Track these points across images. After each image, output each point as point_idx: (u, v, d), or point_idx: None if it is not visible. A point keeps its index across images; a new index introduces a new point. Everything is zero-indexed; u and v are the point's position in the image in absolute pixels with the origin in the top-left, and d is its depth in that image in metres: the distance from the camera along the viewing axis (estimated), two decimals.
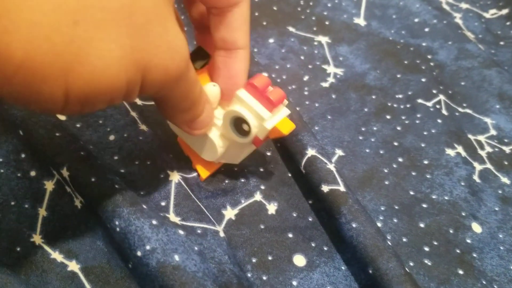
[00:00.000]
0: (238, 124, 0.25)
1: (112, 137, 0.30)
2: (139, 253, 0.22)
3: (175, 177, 0.29)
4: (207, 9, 0.25)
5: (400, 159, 0.33)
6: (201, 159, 0.28)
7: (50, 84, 0.16)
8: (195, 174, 0.30)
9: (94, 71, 0.16)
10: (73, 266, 0.25)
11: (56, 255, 0.25)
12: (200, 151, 0.28)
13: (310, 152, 0.29)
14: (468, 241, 0.30)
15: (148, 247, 0.22)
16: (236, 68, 0.26)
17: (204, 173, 0.29)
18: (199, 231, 0.26)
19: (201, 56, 0.27)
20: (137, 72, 0.18)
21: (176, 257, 0.22)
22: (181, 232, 0.24)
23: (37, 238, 0.25)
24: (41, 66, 0.15)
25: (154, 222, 0.23)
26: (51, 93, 0.16)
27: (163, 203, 0.27)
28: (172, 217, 0.26)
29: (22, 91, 0.16)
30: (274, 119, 0.25)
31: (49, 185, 0.27)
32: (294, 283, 0.26)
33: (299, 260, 0.27)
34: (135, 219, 0.23)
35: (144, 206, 0.24)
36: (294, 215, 0.29)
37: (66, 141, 0.26)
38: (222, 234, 0.27)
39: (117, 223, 0.23)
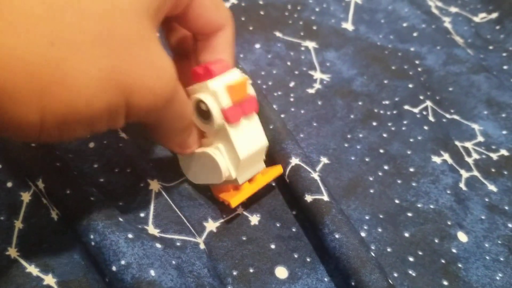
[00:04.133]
0: (203, 112, 0.24)
1: (92, 145, 0.29)
2: (114, 268, 0.22)
3: (156, 186, 0.28)
4: (192, 35, 0.25)
5: (385, 167, 0.33)
6: (223, 189, 0.28)
7: (24, 106, 0.16)
8: (176, 182, 0.29)
9: (70, 91, 0.16)
10: (49, 280, 0.24)
11: (32, 269, 0.24)
12: (210, 178, 0.27)
13: (294, 160, 0.29)
14: (454, 250, 0.29)
15: (123, 262, 0.22)
16: None
17: (233, 200, 0.27)
18: (178, 244, 0.25)
19: None
20: (119, 94, 0.17)
21: (152, 272, 0.22)
22: (158, 245, 0.24)
23: (12, 251, 0.25)
24: (14, 87, 0.15)
25: (130, 235, 0.23)
26: (26, 116, 0.16)
27: (142, 214, 0.26)
28: (151, 229, 0.26)
29: None
30: (220, 81, 0.24)
31: (26, 197, 0.26)
32: None
33: (281, 272, 0.27)
34: (110, 233, 0.22)
35: (121, 219, 0.24)
36: (278, 225, 0.29)
37: (42, 152, 0.26)
38: (202, 246, 0.26)
39: (92, 237, 0.23)
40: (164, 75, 0.19)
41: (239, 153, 0.25)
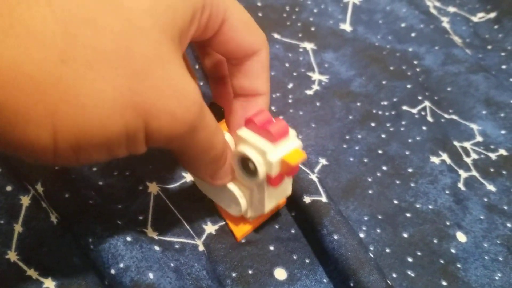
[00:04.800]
0: (246, 165, 0.23)
1: None
2: (113, 271, 0.22)
3: (154, 188, 0.28)
4: (226, 59, 0.24)
5: (384, 168, 0.33)
6: (234, 218, 0.27)
7: (35, 126, 0.15)
8: (175, 184, 0.29)
9: (83, 111, 0.15)
10: (49, 283, 0.24)
11: (32, 272, 0.25)
12: (226, 206, 0.26)
13: None
14: (453, 251, 0.29)
15: (121, 265, 0.22)
16: (253, 111, 0.24)
17: (238, 232, 0.28)
18: (177, 246, 0.25)
19: (214, 111, 0.25)
20: (137, 117, 0.16)
21: (151, 275, 0.22)
22: (157, 248, 0.24)
23: (12, 255, 0.25)
24: (23, 105, 0.15)
25: (128, 238, 0.23)
26: (37, 136, 0.15)
27: (140, 217, 0.26)
28: (150, 231, 0.26)
29: (4, 134, 0.15)
30: (278, 151, 0.22)
31: (25, 200, 0.26)
32: None
33: (280, 273, 0.27)
34: (109, 236, 0.22)
35: (119, 222, 0.24)
36: (276, 227, 0.29)
37: None
38: (201, 248, 0.26)
39: (90, 240, 0.23)
40: (186, 100, 0.18)
41: (265, 208, 0.25)
